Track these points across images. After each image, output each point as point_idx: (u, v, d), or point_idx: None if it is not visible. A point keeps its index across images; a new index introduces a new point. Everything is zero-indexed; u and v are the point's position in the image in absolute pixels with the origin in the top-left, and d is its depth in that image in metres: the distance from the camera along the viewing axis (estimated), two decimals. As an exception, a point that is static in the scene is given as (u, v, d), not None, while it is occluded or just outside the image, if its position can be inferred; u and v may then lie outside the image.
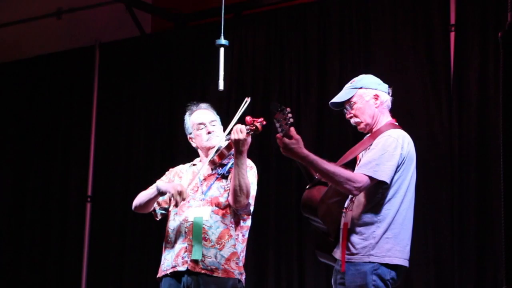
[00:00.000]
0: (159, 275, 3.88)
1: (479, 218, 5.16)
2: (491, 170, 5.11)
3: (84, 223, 6.97)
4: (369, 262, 3.43)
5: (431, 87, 5.46)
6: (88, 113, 7.12)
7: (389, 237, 3.44)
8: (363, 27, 5.82)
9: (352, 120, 3.68)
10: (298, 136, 3.37)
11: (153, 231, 6.36)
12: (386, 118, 3.66)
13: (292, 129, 3.35)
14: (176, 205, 3.77)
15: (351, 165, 3.65)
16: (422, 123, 5.42)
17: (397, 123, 3.66)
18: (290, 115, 3.34)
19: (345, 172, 3.43)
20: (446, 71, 5.43)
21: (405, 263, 3.51)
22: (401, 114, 5.41)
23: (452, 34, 5.44)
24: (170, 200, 3.87)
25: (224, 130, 3.94)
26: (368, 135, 3.68)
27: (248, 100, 3.77)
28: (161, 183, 3.93)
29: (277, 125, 3.36)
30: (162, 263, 3.89)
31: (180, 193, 3.69)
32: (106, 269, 6.82)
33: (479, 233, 5.14)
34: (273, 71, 6.23)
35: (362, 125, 3.66)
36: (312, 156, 3.40)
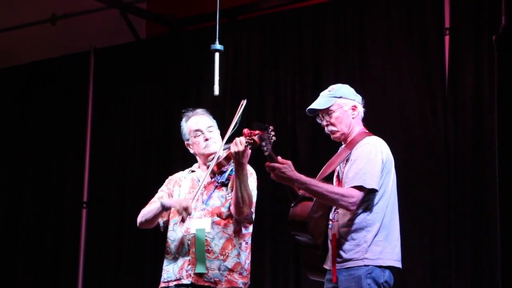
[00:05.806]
0: (161, 286, 3.85)
1: (475, 222, 5.16)
2: (487, 173, 5.10)
3: (80, 229, 6.96)
4: (364, 265, 3.46)
5: (426, 91, 5.45)
6: (83, 119, 7.10)
7: (379, 240, 3.49)
8: (358, 32, 5.82)
9: (328, 128, 3.69)
10: (288, 161, 3.45)
11: (149, 238, 6.34)
12: (359, 127, 3.69)
13: (279, 157, 3.45)
14: (183, 221, 3.74)
15: (330, 178, 3.68)
16: (417, 127, 5.42)
17: (368, 131, 3.69)
18: (273, 133, 3.45)
19: (338, 190, 3.50)
20: (441, 75, 5.43)
21: (397, 264, 3.55)
22: (396, 118, 5.43)
23: (447, 38, 5.45)
24: (170, 214, 3.85)
25: (221, 136, 3.89)
26: (342, 145, 3.70)
27: (244, 102, 3.74)
28: (165, 199, 3.88)
29: (263, 143, 3.44)
30: (162, 273, 3.85)
31: (185, 209, 3.67)
32: (102, 275, 6.80)
33: (475, 237, 5.14)
34: (268, 75, 6.23)
35: (337, 134, 3.68)
36: (304, 178, 3.47)
